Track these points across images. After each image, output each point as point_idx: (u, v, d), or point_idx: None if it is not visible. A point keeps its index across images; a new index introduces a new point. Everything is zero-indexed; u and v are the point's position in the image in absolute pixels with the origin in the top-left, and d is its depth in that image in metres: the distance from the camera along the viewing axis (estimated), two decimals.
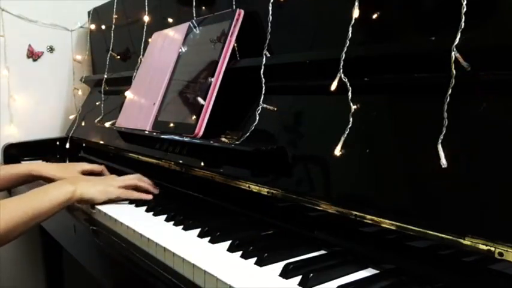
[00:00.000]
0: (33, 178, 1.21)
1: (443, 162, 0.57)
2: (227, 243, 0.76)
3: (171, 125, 1.08)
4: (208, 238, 0.79)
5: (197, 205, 1.02)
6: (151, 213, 0.96)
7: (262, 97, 0.89)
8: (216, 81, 0.99)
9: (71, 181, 1.01)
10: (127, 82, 1.40)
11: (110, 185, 1.04)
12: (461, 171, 0.57)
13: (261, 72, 0.89)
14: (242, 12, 1.00)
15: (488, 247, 0.53)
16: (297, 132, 0.83)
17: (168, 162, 1.11)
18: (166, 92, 1.16)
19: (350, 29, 0.73)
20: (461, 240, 0.55)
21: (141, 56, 1.40)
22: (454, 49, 0.58)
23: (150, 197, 1.05)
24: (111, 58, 1.63)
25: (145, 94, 1.25)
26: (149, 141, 1.20)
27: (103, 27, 1.74)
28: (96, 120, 1.55)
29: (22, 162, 1.67)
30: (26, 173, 1.20)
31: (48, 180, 1.16)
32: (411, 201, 0.63)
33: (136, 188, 1.07)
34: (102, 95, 1.61)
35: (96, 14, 1.80)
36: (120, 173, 1.22)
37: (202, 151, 1.01)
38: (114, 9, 1.61)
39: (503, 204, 0.53)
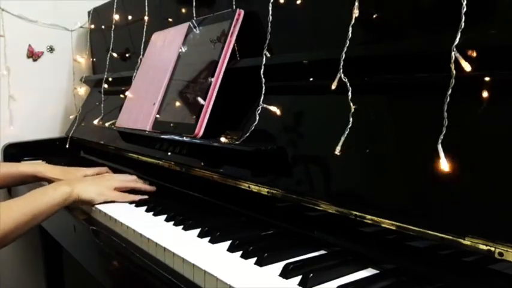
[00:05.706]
0: (36, 179, 1.24)
1: (444, 162, 0.57)
2: (227, 243, 0.75)
3: (171, 125, 1.08)
4: (208, 238, 0.79)
5: (197, 205, 1.02)
6: (151, 213, 0.96)
7: (262, 97, 0.89)
8: (216, 81, 0.99)
9: (67, 182, 1.03)
10: (127, 82, 1.40)
11: (107, 186, 1.06)
12: (461, 171, 0.57)
13: (261, 72, 0.89)
14: (242, 12, 1.00)
15: (488, 247, 0.53)
16: (297, 132, 0.83)
17: (168, 162, 1.11)
18: (166, 92, 1.16)
19: (350, 29, 0.73)
20: (461, 240, 0.55)
21: (141, 56, 1.40)
22: (454, 49, 0.58)
23: (145, 196, 1.07)
24: (111, 58, 1.63)
25: (145, 94, 1.25)
26: (149, 141, 1.20)
27: (103, 27, 1.74)
28: (96, 120, 1.55)
29: (22, 162, 1.67)
30: (30, 173, 1.23)
31: (52, 182, 1.18)
32: (411, 201, 0.63)
33: (133, 190, 1.09)
34: (102, 95, 1.60)
35: (96, 14, 1.80)
36: (120, 174, 1.22)
37: (202, 151, 1.00)
38: (114, 9, 1.61)
39: (503, 204, 0.53)
